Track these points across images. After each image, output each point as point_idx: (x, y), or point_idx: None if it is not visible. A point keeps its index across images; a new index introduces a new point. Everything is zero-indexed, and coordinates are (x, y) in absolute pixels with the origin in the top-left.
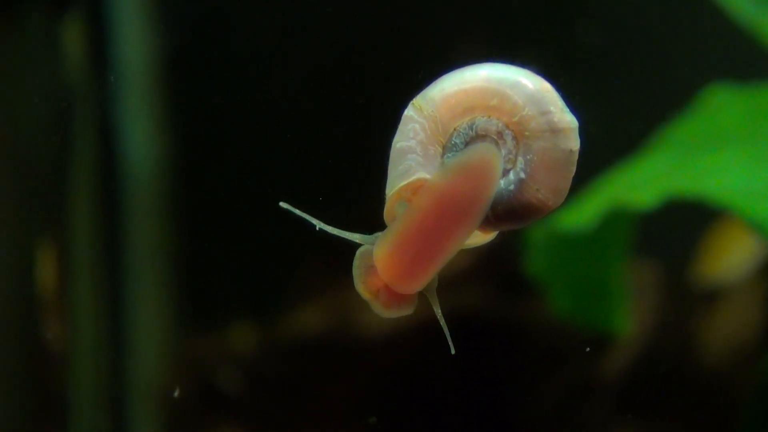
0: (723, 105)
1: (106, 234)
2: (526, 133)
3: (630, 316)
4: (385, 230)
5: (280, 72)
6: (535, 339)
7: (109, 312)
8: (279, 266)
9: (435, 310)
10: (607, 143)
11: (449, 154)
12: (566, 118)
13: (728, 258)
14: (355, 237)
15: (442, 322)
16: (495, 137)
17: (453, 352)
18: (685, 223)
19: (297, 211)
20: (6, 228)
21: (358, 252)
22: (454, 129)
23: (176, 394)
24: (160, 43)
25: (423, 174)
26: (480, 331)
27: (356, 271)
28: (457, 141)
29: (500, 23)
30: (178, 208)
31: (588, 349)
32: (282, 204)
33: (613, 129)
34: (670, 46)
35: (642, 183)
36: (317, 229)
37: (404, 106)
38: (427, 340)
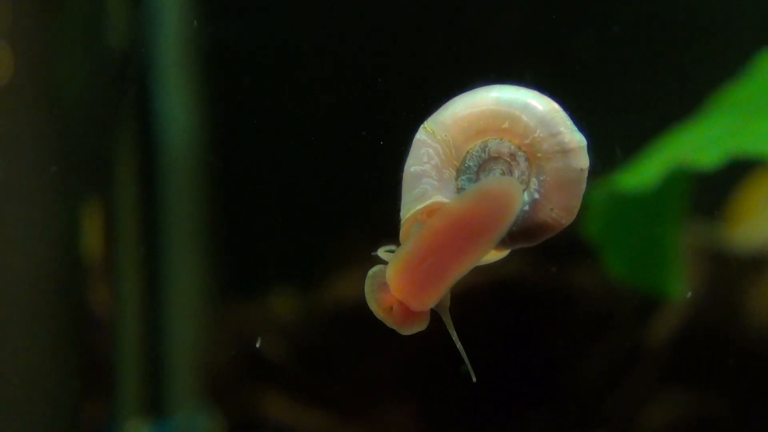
0: None
1: (149, 200)
2: (539, 155)
3: (684, 280)
4: (398, 248)
5: (316, 54)
6: (583, 303)
7: (153, 278)
8: (321, 233)
9: (449, 329)
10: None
11: (463, 177)
12: (576, 138)
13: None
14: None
15: (459, 345)
16: (508, 159)
17: (474, 379)
18: (733, 184)
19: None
20: (53, 192)
21: (370, 272)
22: (467, 152)
23: (258, 344)
24: (202, 20)
25: (439, 197)
26: (525, 295)
27: (368, 290)
28: (471, 164)
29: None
30: (219, 176)
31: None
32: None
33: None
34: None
35: (703, 144)
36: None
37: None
38: (468, 309)
